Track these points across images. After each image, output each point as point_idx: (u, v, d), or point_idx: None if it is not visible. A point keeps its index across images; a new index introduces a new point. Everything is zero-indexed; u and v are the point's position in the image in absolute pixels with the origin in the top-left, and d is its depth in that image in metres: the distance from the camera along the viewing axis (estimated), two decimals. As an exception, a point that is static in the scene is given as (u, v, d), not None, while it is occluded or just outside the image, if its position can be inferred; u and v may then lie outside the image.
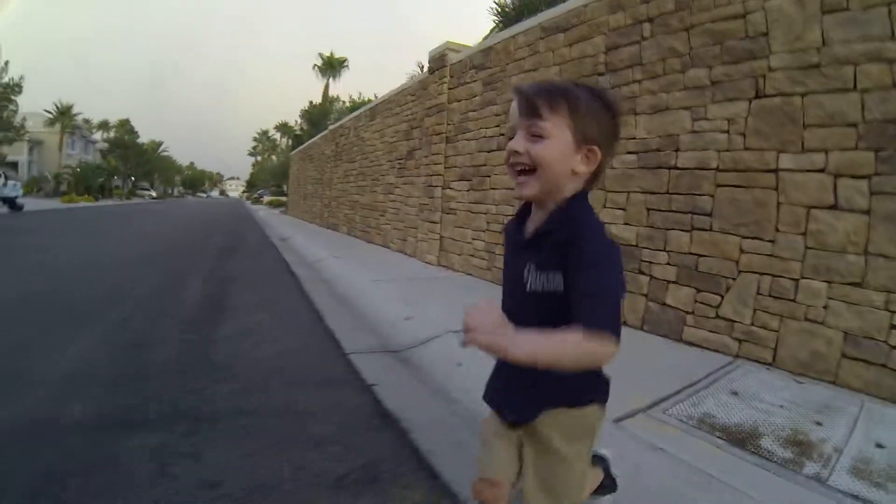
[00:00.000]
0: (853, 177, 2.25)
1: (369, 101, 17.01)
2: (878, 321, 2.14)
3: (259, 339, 3.10)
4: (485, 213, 4.94)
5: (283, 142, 68.58)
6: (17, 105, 23.73)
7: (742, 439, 1.68)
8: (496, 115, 4.91)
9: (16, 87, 22.09)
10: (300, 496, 1.48)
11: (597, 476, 1.29)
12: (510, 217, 1.07)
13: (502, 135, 4.76)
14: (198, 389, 2.26)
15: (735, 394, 2.08)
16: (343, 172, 11.42)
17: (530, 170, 0.92)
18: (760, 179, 2.61)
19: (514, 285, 0.97)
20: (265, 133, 76.56)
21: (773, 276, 2.50)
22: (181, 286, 4.56)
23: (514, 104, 0.94)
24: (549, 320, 0.84)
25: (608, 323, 0.76)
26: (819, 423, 1.82)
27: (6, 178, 23.07)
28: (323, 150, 14.29)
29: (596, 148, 0.90)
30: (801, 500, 1.35)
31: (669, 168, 3.08)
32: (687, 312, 2.86)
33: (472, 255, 5.15)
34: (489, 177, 4.90)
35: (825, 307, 2.29)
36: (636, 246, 3.22)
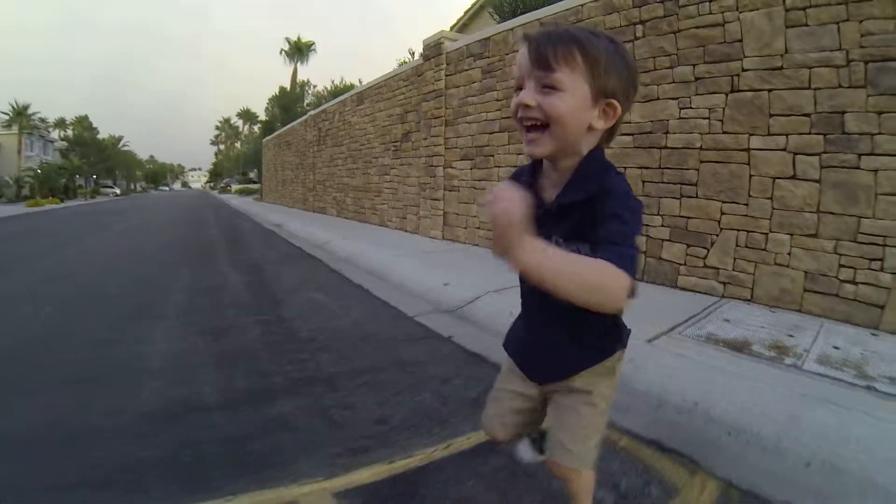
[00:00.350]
0: (807, 154, 2.93)
1: (352, 85, 17.11)
2: (829, 262, 2.85)
3: (327, 314, 3.37)
4: (490, 190, 5.51)
5: (247, 129, 67.38)
6: None
7: (739, 347, 2.34)
8: (497, 100, 5.44)
9: None
10: (459, 412, 1.88)
11: None
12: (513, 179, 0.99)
13: (505, 118, 5.32)
14: (304, 360, 2.49)
15: (727, 321, 2.75)
16: (329, 157, 11.71)
17: (542, 125, 0.85)
18: (736, 156, 3.27)
19: None
20: (227, 121, 74.96)
21: (748, 231, 3.19)
22: (217, 278, 4.74)
23: (522, 53, 0.86)
24: None
25: (627, 264, 0.72)
26: (791, 336, 2.50)
27: None
28: (303, 136, 14.45)
29: (615, 101, 0.85)
30: (784, 378, 2.01)
31: (661, 148, 3.72)
32: (680, 264, 3.55)
33: (477, 228, 5.74)
34: (493, 156, 5.46)
35: (789, 254, 3.00)
36: (634, 213, 3.88)
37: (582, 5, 4.40)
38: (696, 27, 3.49)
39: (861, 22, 2.75)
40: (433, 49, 6.64)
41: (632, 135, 3.90)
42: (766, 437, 1.57)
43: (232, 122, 74.49)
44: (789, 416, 1.64)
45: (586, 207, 0.84)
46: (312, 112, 14.12)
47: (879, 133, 2.67)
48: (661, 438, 1.71)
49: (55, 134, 48.57)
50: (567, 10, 4.58)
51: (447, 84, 6.34)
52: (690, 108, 3.52)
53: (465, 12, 14.91)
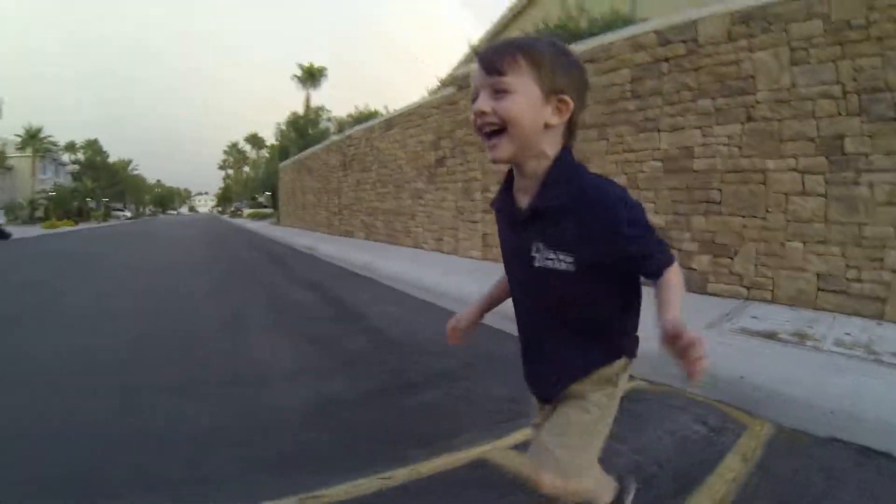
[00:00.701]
0: (814, 173, 3.63)
1: (376, 112, 18.19)
2: (838, 265, 3.53)
3: (412, 323, 3.97)
4: (528, 211, 6.26)
5: (254, 154, 70.11)
6: None
7: (768, 336, 2.99)
8: (532, 129, 6.23)
9: None
10: None
11: (608, 487, 1.24)
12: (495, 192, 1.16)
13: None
14: (417, 361, 2.99)
15: (754, 317, 3.42)
16: (355, 181, 12.60)
17: (500, 129, 0.93)
18: (753, 177, 3.98)
19: (521, 261, 1.03)
20: (235, 146, 77.98)
21: (767, 241, 3.88)
22: (288, 293, 5.44)
23: (474, 67, 0.96)
24: (561, 291, 1.00)
25: (670, 256, 0.98)
26: (810, 327, 3.16)
27: None
28: (326, 161, 15.44)
29: (566, 96, 0.93)
30: (808, 357, 2.63)
31: (687, 171, 4.44)
32: (708, 273, 4.23)
33: (516, 247, 6.47)
34: (531, 181, 6.23)
35: (803, 259, 3.68)
36: (666, 228, 4.58)
37: (611, 43, 5.19)
38: (714, 65, 4.24)
39: (854, 59, 3.49)
40: (466, 80, 7.45)
41: (661, 160, 4.63)
42: (799, 397, 2.21)
43: (240, 146, 77.20)
44: (815, 382, 2.29)
45: (568, 215, 0.94)
46: (336, 137, 15.10)
47: (873, 153, 3.37)
48: (724, 399, 2.38)
49: (65, 157, 51.14)
50: (597, 46, 5.36)
51: (482, 113, 7.13)
52: (712, 136, 4.25)
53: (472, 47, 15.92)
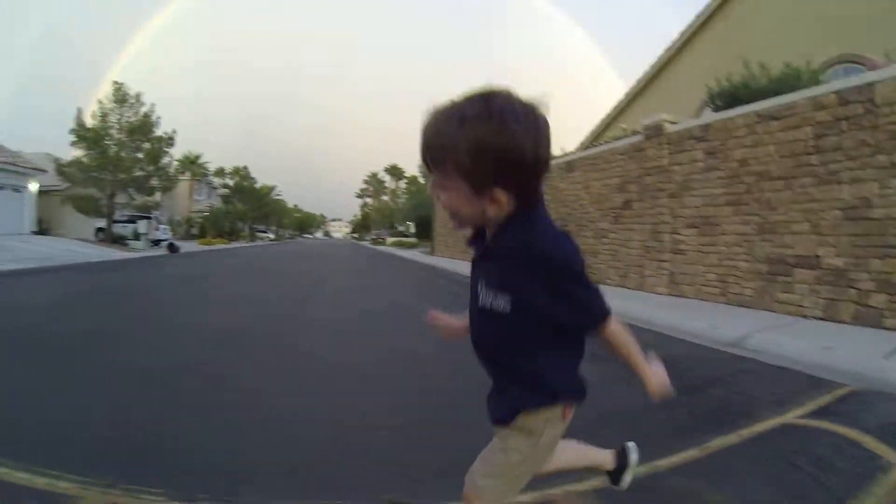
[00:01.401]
0: (980, 224, 4.77)
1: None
2: None
3: (656, 348, 5.71)
4: (716, 253, 7.67)
5: (393, 184, 78.12)
6: (171, 156, 29.87)
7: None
8: (720, 178, 7.68)
9: (169, 140, 28.25)
10: (791, 397, 4.29)
11: (601, 460, 1.67)
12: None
13: (729, 193, 7.50)
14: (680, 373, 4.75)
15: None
16: (534, 219, 14.57)
17: None
18: (929, 225, 5.16)
19: (473, 297, 1.25)
20: (374, 175, 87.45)
21: (939, 282, 5.03)
22: None
23: None
24: (496, 331, 1.20)
25: (606, 310, 1.18)
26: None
27: (158, 222, 30.21)
28: (501, 198, 17.73)
29: (496, 190, 1.05)
30: None
31: (866, 219, 5.65)
32: (884, 309, 5.40)
33: (703, 285, 7.90)
34: (719, 225, 7.66)
35: (968, 298, 4.79)
36: (845, 270, 5.78)
37: (794, 102, 6.56)
38: (889, 123, 5.49)
39: None
40: (653, 130, 9.14)
41: (842, 209, 5.90)
42: None
43: (379, 176, 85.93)
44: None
45: (513, 259, 1.10)
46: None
47: None
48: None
49: (215, 181, 61.48)
50: (781, 105, 6.76)
51: (670, 161, 8.69)
52: (889, 188, 5.46)
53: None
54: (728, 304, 7.36)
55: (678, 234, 8.55)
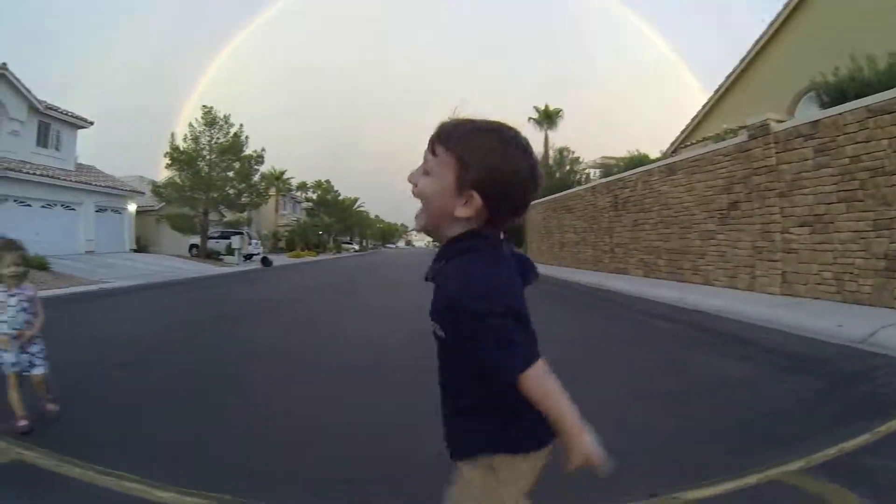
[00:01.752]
0: None
1: (646, 157, 20.70)
2: None
3: (788, 347, 6.38)
4: (830, 251, 7.84)
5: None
6: (260, 173, 31.87)
7: None
8: (831, 175, 7.84)
9: (258, 158, 30.18)
10: None
11: None
12: None
13: (841, 190, 7.66)
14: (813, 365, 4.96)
15: None
16: (631, 222, 14.95)
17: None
18: None
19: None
20: None
21: None
22: (655, 328, 8.11)
23: None
24: (442, 358, 1.21)
25: (521, 363, 1.01)
26: None
27: (250, 237, 32.17)
28: (591, 202, 18.29)
29: (475, 194, 1.06)
30: None
31: None
32: None
33: (818, 284, 8.07)
34: (832, 223, 7.82)
35: None
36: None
37: (908, 99, 6.71)
38: None
39: None
40: (760, 129, 9.35)
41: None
42: None
43: None
44: None
45: (438, 289, 1.10)
46: (603, 180, 17.71)
47: None
48: None
49: (299, 195, 64.87)
50: (893, 99, 6.85)
51: (777, 160, 8.88)
52: None
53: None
54: (844, 303, 7.50)
55: (789, 233, 8.72)
